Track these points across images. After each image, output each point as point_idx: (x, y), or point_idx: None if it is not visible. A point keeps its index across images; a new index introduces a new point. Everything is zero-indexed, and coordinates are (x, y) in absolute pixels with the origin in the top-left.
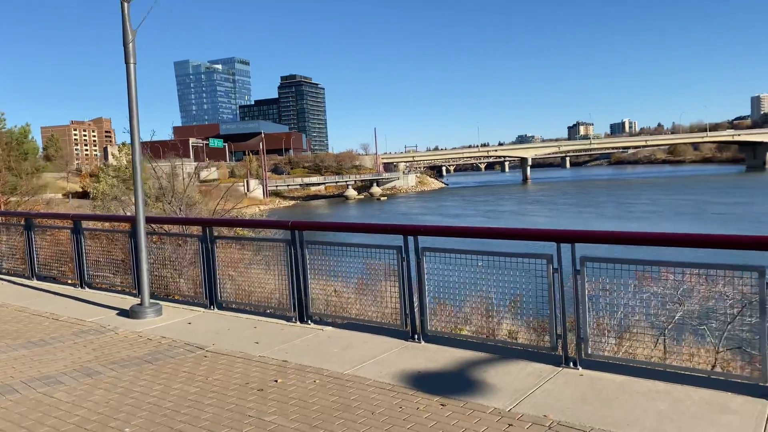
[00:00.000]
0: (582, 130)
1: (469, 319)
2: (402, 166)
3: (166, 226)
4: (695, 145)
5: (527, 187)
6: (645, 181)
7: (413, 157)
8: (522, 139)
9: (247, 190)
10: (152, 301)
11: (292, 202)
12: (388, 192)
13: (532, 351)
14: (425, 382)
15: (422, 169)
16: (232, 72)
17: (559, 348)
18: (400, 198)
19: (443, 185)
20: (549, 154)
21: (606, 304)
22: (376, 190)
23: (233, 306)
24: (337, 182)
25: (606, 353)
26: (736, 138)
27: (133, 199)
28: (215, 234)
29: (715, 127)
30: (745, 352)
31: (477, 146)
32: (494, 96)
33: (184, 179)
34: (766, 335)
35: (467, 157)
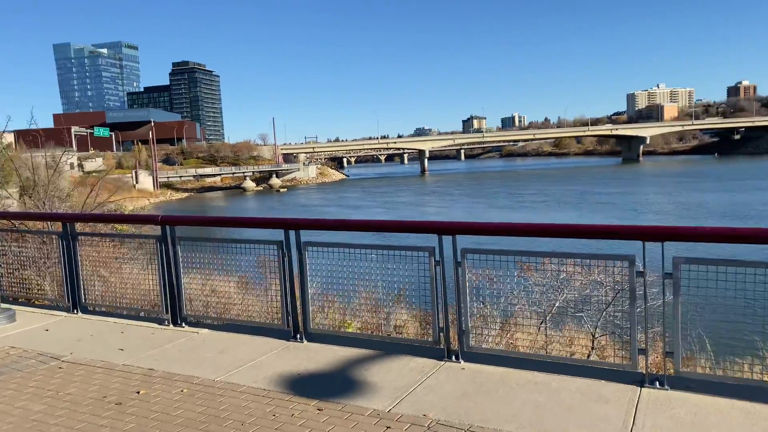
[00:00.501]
0: (475, 123)
1: (357, 315)
2: (302, 157)
3: (30, 223)
4: (578, 139)
5: (425, 179)
6: (533, 173)
7: (313, 148)
8: (420, 132)
9: (136, 182)
10: (3, 306)
11: (185, 194)
12: (288, 183)
13: (417, 346)
14: (304, 384)
15: (323, 160)
16: (119, 57)
17: (442, 342)
18: (300, 190)
19: (344, 177)
20: (445, 146)
21: (488, 296)
22: (275, 181)
23: (101, 309)
24: (233, 173)
25: (488, 345)
26: (614, 132)
27: None
28: (77, 230)
29: (596, 122)
30: (618, 340)
31: (377, 138)
32: (394, 89)
33: (52, 170)
34: (635, 323)
35: (367, 149)
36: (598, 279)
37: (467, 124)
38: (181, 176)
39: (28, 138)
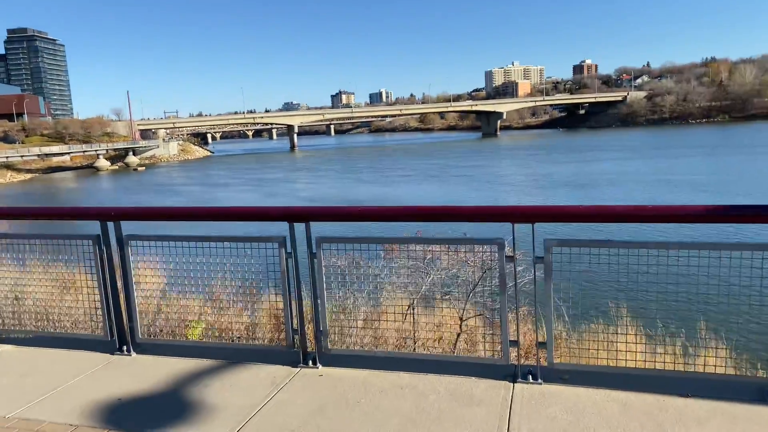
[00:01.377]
0: (344, 99)
1: (201, 318)
2: (162, 133)
3: None
4: (442, 115)
5: (295, 155)
6: (400, 148)
7: (174, 123)
8: (288, 107)
9: None
10: None
11: (28, 176)
12: (147, 162)
13: (269, 351)
14: (124, 413)
15: (185, 136)
16: None
17: (296, 344)
18: (161, 168)
19: (209, 153)
20: (315, 122)
21: (349, 289)
22: (132, 159)
23: None
24: (84, 152)
25: (349, 345)
26: (475, 108)
27: None
28: None
29: (457, 98)
30: (489, 331)
31: (243, 113)
32: (261, 62)
33: None
34: (506, 312)
35: (233, 124)
36: (468, 263)
37: (336, 99)
38: (22, 156)
39: None
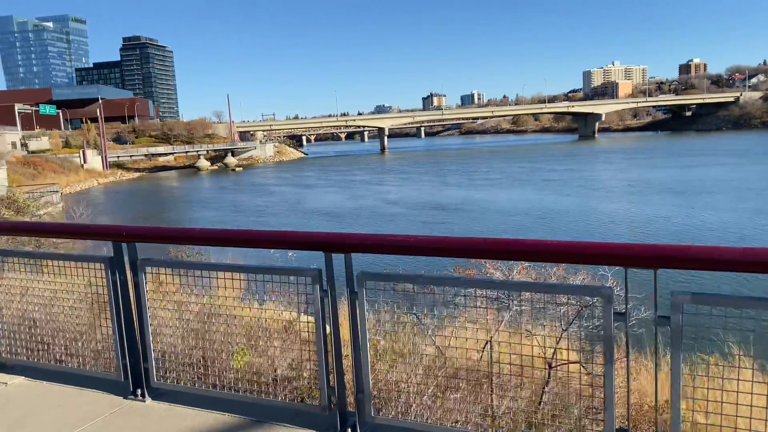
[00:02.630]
0: (435, 101)
1: (220, 362)
2: (259, 135)
3: None
4: (536, 116)
5: (385, 157)
6: (491, 150)
7: (271, 125)
8: (380, 110)
9: (84, 162)
10: None
11: (137, 174)
12: (244, 162)
13: (301, 411)
14: None
15: (281, 138)
16: (66, 31)
17: (333, 405)
18: (257, 168)
19: (303, 155)
20: (405, 124)
21: (399, 339)
22: (231, 160)
23: None
24: (187, 152)
25: (398, 413)
26: (571, 109)
27: None
28: None
29: (552, 99)
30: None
31: (336, 116)
32: (354, 66)
33: None
34: (612, 391)
35: (326, 127)
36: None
37: (427, 102)
38: (131, 155)
39: None
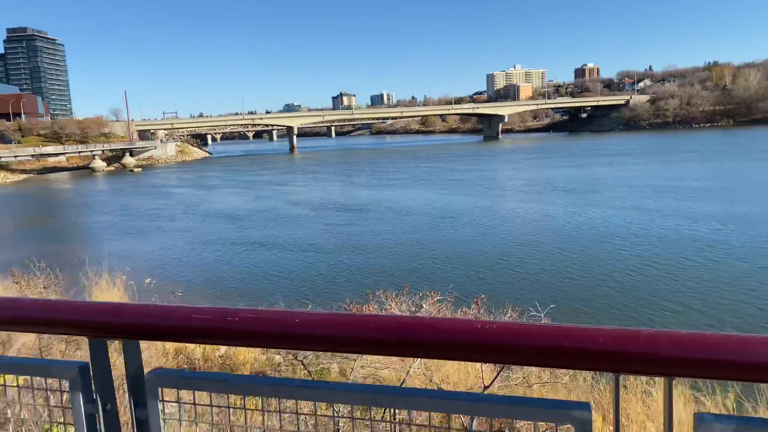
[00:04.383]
0: (345, 100)
1: None
2: (161, 134)
3: None
4: (443, 117)
5: (294, 157)
6: (400, 150)
7: (173, 124)
8: (289, 108)
9: None
10: None
11: (22, 176)
12: (144, 163)
13: None
14: None
15: (185, 137)
16: None
17: None
18: (157, 169)
19: (207, 155)
20: (315, 123)
21: None
22: (129, 160)
23: None
24: (80, 152)
25: None
26: (476, 111)
27: None
28: None
29: (459, 101)
30: None
31: (243, 114)
32: (262, 64)
33: None
34: None
35: (233, 125)
36: None
37: (337, 101)
38: (16, 156)
39: None
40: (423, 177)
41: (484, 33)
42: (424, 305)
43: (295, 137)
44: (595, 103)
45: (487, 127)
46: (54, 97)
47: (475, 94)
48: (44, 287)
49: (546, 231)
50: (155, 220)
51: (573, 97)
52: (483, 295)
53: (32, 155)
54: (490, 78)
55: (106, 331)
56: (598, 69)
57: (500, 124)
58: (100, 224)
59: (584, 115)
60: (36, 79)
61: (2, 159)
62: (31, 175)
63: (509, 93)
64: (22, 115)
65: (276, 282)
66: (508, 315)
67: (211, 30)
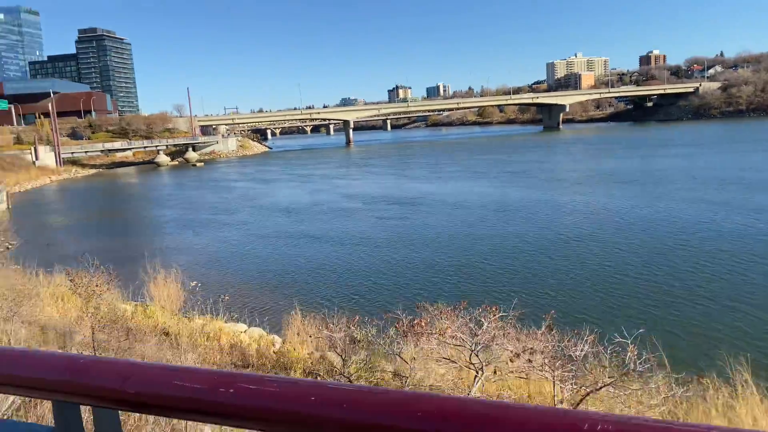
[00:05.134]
0: (401, 93)
1: None
2: (222, 129)
3: None
4: (501, 108)
5: (350, 150)
6: (456, 143)
7: (233, 119)
8: (346, 102)
9: (36, 159)
10: None
11: (93, 171)
12: (206, 157)
13: None
14: None
15: (245, 132)
16: (17, 23)
17: None
18: (219, 164)
19: (267, 149)
20: (371, 117)
21: None
22: (191, 155)
23: None
24: (146, 147)
25: None
26: (536, 100)
27: None
28: None
29: (517, 91)
30: None
31: (301, 109)
32: (320, 59)
33: None
34: None
35: (291, 120)
36: None
37: (393, 94)
38: (87, 151)
39: None
40: (479, 169)
41: (543, 21)
42: (484, 323)
43: (351, 131)
44: (661, 92)
45: (546, 117)
46: (122, 94)
47: (534, 83)
48: (96, 285)
49: (614, 228)
50: (214, 213)
51: (638, 85)
52: (552, 311)
53: (101, 151)
54: (550, 67)
55: (66, 393)
56: (664, 56)
57: (561, 114)
58: (162, 217)
59: (650, 104)
60: (105, 78)
61: (74, 154)
62: (101, 169)
63: (570, 82)
64: (93, 112)
65: (325, 278)
66: (587, 340)
67: (270, 26)
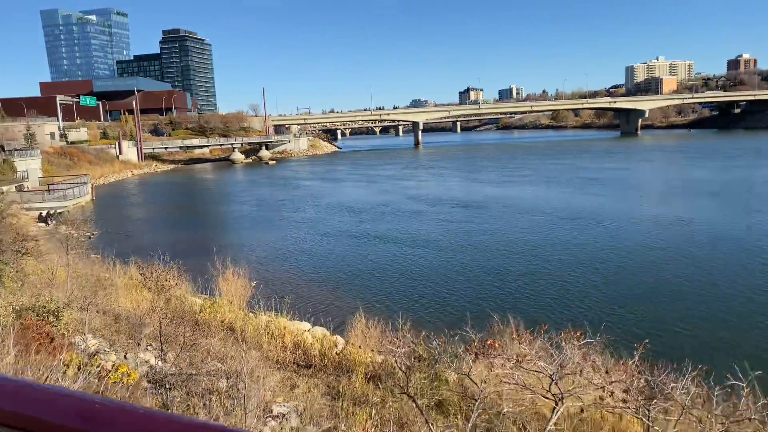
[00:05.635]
0: (472, 95)
1: None
2: (294, 128)
3: None
4: (576, 111)
5: (418, 152)
6: (528, 146)
7: (305, 119)
8: (416, 104)
9: (120, 153)
10: None
11: (171, 166)
12: (278, 156)
13: None
14: None
15: (316, 132)
16: (108, 24)
17: None
18: (290, 162)
19: (336, 149)
20: (440, 118)
21: None
22: (264, 153)
23: None
24: (222, 145)
25: None
26: (613, 105)
27: None
28: None
29: (594, 95)
30: None
31: (371, 110)
32: (391, 60)
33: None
34: None
35: (361, 121)
36: None
37: (464, 96)
38: (167, 147)
39: (14, 106)
40: (550, 174)
41: (623, 22)
42: (566, 350)
43: (420, 132)
44: (751, 98)
45: (624, 122)
46: (201, 93)
47: (611, 87)
48: (166, 279)
49: (712, 246)
50: (282, 210)
51: (725, 90)
52: (646, 340)
53: (180, 147)
54: (630, 70)
55: None
56: (755, 60)
57: (639, 120)
58: (233, 213)
59: (737, 111)
60: (186, 77)
61: (155, 150)
62: (179, 165)
63: (650, 86)
64: (173, 110)
65: (389, 280)
66: (689, 376)
67: (342, 28)
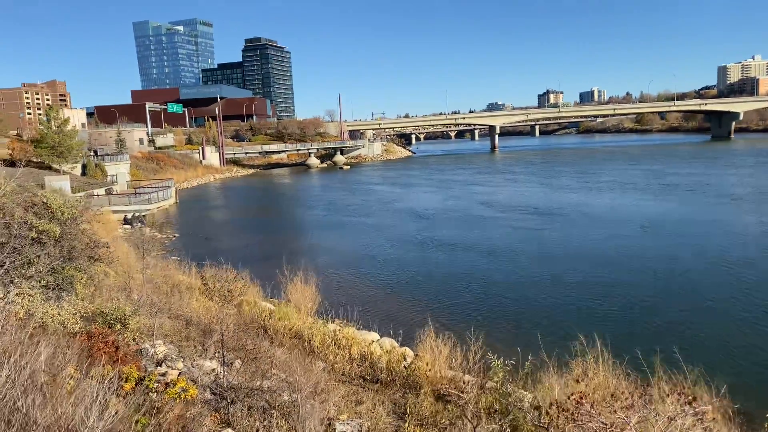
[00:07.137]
0: (552, 98)
1: None
2: (369, 133)
3: None
4: (662, 115)
5: (494, 156)
6: (610, 151)
7: (380, 124)
8: (492, 107)
9: (203, 158)
10: None
11: (251, 171)
12: (352, 161)
13: None
14: None
15: (391, 137)
16: (194, 34)
17: None
18: (364, 167)
19: (410, 154)
20: (518, 122)
21: None
22: (339, 158)
23: None
24: (298, 150)
25: None
26: (703, 107)
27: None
28: None
29: (682, 97)
30: None
31: (446, 114)
32: (466, 63)
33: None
34: None
35: (436, 125)
36: None
37: (543, 99)
38: (246, 152)
39: (108, 113)
40: (632, 180)
41: (715, 20)
42: (672, 414)
43: (496, 136)
44: None
45: (716, 125)
46: (280, 99)
47: (702, 89)
48: (235, 286)
49: None
50: (354, 215)
51: None
52: None
53: (259, 152)
54: (722, 71)
55: None
56: None
57: (733, 123)
58: (307, 217)
59: None
60: (266, 84)
61: (236, 155)
62: (258, 170)
63: (745, 87)
64: (254, 116)
65: (461, 291)
66: None
67: (417, 32)
